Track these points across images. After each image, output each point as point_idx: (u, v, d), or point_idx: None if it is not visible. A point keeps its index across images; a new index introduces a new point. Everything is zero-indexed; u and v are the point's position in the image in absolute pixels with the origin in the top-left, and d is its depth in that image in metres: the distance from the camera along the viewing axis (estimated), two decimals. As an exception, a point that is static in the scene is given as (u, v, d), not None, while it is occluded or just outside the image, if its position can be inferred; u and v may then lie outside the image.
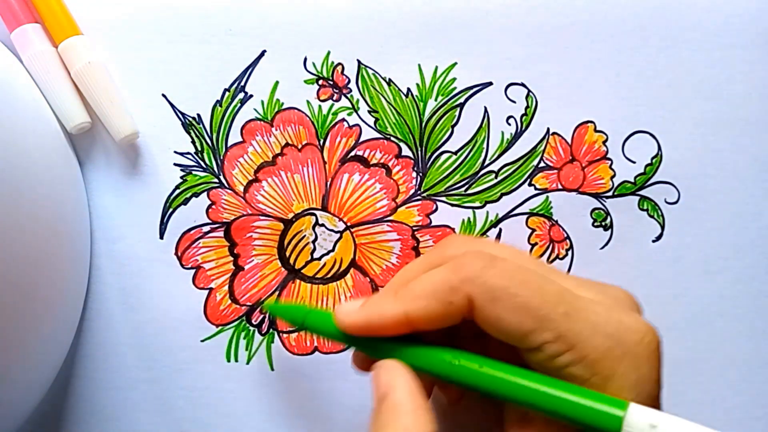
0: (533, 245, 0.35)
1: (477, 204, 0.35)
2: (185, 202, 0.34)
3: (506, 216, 0.35)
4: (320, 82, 0.34)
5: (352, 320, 0.26)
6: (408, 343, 0.26)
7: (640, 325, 0.24)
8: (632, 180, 0.35)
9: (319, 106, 0.34)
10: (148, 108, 0.34)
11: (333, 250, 0.35)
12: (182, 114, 0.34)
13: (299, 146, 0.35)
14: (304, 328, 0.29)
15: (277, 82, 0.34)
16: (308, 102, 0.34)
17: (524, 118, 0.35)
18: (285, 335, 0.35)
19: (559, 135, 0.35)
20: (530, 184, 0.35)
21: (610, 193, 0.35)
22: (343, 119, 0.35)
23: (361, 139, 0.35)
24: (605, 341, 0.23)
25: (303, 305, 0.31)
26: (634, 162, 0.35)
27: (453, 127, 0.35)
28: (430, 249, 0.28)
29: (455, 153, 0.35)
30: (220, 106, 0.34)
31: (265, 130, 0.34)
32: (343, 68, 0.34)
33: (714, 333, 0.35)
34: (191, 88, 0.34)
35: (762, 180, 0.35)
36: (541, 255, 0.35)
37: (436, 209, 0.35)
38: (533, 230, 0.35)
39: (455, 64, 0.34)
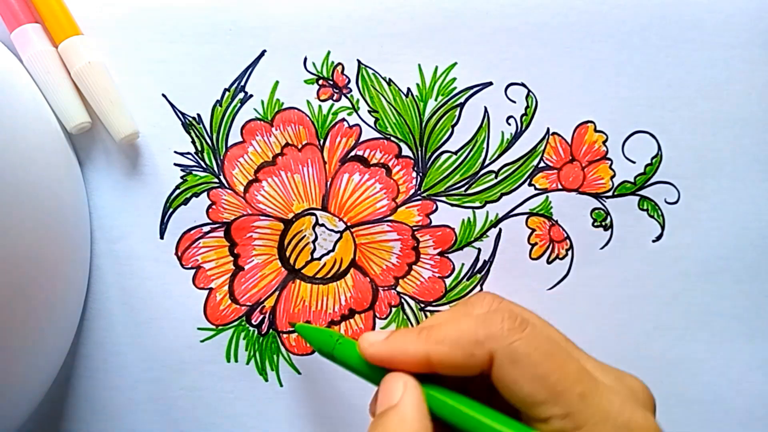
0: (533, 245, 0.35)
1: (477, 204, 0.35)
2: (185, 202, 0.34)
3: (506, 216, 0.35)
4: (320, 82, 0.34)
5: (376, 350, 0.26)
6: (426, 383, 0.26)
7: (648, 426, 0.24)
8: (632, 180, 0.35)
9: (319, 106, 0.34)
10: (148, 108, 0.34)
11: (333, 250, 0.35)
12: (182, 114, 0.34)
13: (299, 146, 0.35)
14: (333, 358, 0.29)
15: (277, 82, 0.34)
16: (308, 102, 0.34)
17: (524, 118, 0.35)
18: (285, 335, 0.35)
19: (559, 135, 0.35)
20: (530, 184, 0.35)
21: (610, 193, 0.35)
22: (343, 119, 0.35)
23: (361, 139, 0.35)
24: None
25: (333, 331, 0.30)
26: (634, 162, 0.35)
27: (453, 127, 0.35)
28: (460, 301, 0.29)
29: (455, 153, 0.35)
30: (220, 106, 0.34)
31: (265, 130, 0.34)
32: (343, 68, 0.34)
33: (714, 333, 0.35)
34: (191, 88, 0.34)
35: (762, 180, 0.35)
36: (541, 255, 0.35)
37: (436, 209, 0.35)
38: (533, 230, 0.35)
39: (455, 64, 0.34)
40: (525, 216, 0.35)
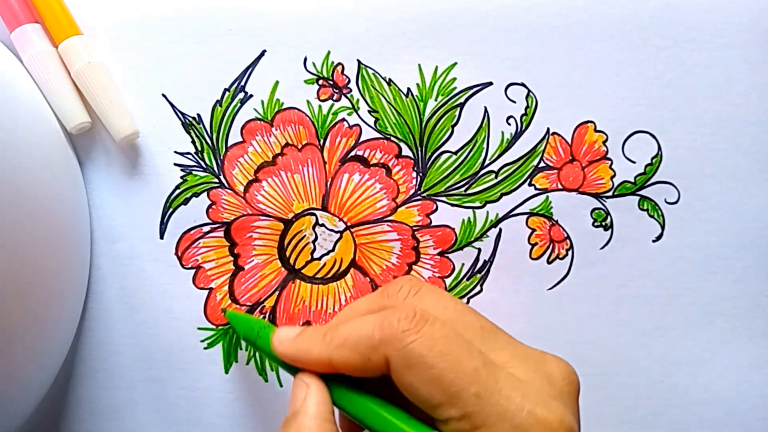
0: (533, 245, 0.35)
1: (477, 204, 0.35)
2: (185, 202, 0.34)
3: (506, 216, 0.35)
4: (320, 82, 0.34)
5: (284, 349, 0.27)
6: (335, 382, 0.26)
7: (552, 419, 0.23)
8: (632, 180, 0.35)
9: (319, 106, 0.34)
10: (148, 108, 0.34)
11: (333, 250, 0.35)
12: (182, 114, 0.34)
13: (299, 146, 0.35)
14: (256, 347, 0.29)
15: (277, 82, 0.34)
16: (308, 102, 0.34)
17: (524, 118, 0.35)
18: (285, 335, 0.35)
19: (559, 135, 0.35)
20: (530, 184, 0.35)
21: (610, 193, 0.35)
22: (343, 119, 0.35)
23: (361, 139, 0.35)
24: (509, 430, 0.23)
25: (258, 321, 0.30)
26: (634, 162, 0.35)
27: (453, 127, 0.35)
28: (379, 289, 0.29)
29: (455, 153, 0.35)
30: (220, 106, 0.34)
31: (265, 130, 0.34)
32: (343, 68, 0.34)
33: (714, 333, 0.35)
34: (191, 88, 0.34)
35: (762, 180, 0.35)
36: (541, 255, 0.35)
37: (436, 209, 0.35)
38: (533, 230, 0.35)
39: (455, 64, 0.34)
40: (525, 216, 0.35)
